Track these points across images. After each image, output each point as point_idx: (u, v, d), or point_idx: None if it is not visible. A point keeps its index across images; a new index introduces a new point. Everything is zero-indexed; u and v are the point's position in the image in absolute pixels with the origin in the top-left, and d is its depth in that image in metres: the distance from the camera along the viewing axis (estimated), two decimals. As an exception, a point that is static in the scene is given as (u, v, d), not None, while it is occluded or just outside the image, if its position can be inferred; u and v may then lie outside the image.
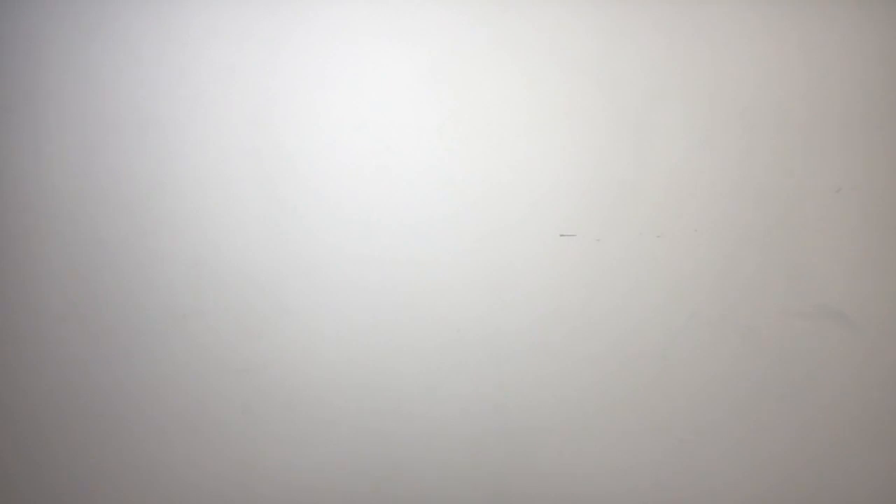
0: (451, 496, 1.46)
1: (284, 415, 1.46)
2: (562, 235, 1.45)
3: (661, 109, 1.44)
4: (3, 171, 1.47)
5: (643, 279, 1.44)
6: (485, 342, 1.45)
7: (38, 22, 1.48)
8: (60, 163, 1.47)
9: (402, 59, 1.46)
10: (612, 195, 1.45)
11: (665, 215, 1.44)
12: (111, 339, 1.47)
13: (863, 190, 1.43)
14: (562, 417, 1.45)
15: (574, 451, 1.45)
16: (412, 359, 1.46)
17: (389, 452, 1.46)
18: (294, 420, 1.47)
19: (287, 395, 1.46)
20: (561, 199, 1.45)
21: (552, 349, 1.45)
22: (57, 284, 1.47)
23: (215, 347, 1.46)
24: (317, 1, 1.46)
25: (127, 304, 1.47)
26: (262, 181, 1.46)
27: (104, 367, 1.47)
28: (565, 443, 1.45)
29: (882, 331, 1.42)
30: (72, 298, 1.47)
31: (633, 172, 1.44)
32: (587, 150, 1.45)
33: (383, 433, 1.46)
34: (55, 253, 1.47)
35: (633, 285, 1.44)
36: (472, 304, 1.45)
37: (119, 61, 1.47)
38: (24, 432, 1.48)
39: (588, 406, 1.45)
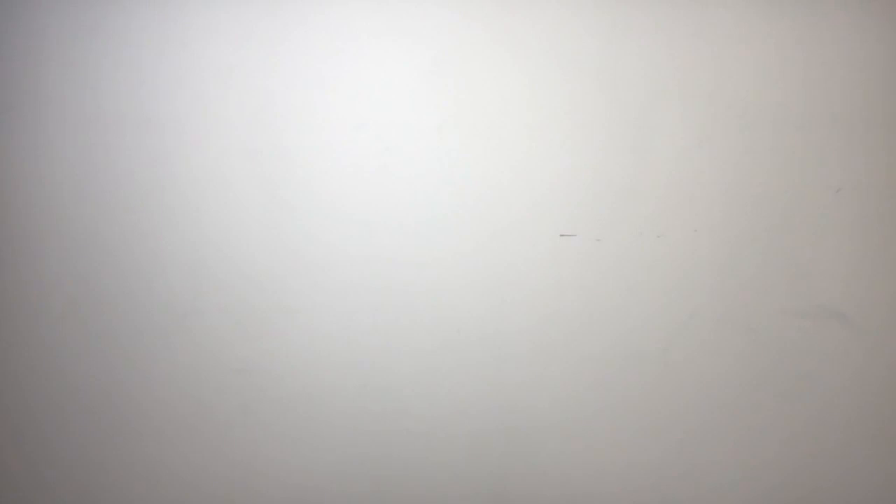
0: (451, 496, 1.46)
1: (284, 414, 1.47)
2: (562, 235, 1.45)
3: (661, 109, 1.44)
4: (3, 171, 1.47)
5: (643, 279, 1.44)
6: (485, 342, 1.45)
7: (38, 22, 1.48)
8: (60, 163, 1.47)
9: (402, 58, 1.46)
10: (612, 195, 1.44)
11: (665, 215, 1.44)
12: (111, 339, 1.47)
13: (863, 190, 1.43)
14: (562, 417, 1.45)
15: (574, 451, 1.45)
16: (412, 359, 1.46)
17: (389, 452, 1.46)
18: (293, 420, 1.47)
19: (287, 395, 1.46)
20: (561, 199, 1.45)
21: (552, 349, 1.45)
22: (57, 284, 1.47)
23: (215, 347, 1.46)
24: (317, 1, 1.46)
25: (127, 304, 1.47)
26: (262, 181, 1.46)
27: (104, 367, 1.47)
28: (565, 443, 1.45)
29: (882, 331, 1.42)
30: (72, 298, 1.47)
31: (633, 172, 1.44)
32: (587, 150, 1.45)
33: (383, 433, 1.46)
34: (55, 253, 1.47)
35: (633, 285, 1.44)
36: (472, 305, 1.45)
37: (119, 61, 1.47)
38: (24, 432, 1.48)
39: (588, 406, 1.45)
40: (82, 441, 1.47)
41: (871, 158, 1.43)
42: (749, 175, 1.43)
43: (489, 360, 1.45)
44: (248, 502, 1.47)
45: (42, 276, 1.47)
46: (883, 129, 1.43)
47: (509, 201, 1.45)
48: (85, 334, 1.47)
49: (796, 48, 1.44)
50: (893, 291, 1.42)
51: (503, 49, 1.45)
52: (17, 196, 1.47)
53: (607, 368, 1.45)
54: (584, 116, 1.45)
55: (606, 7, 1.44)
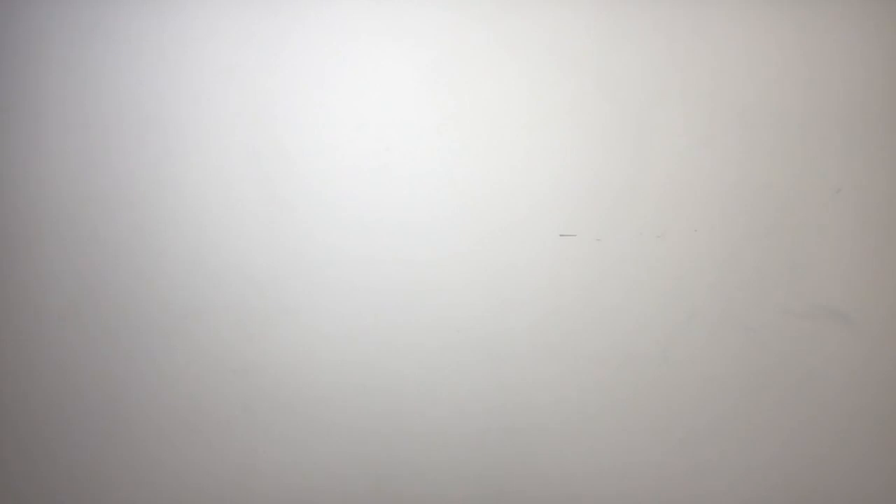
0: (452, 496, 1.46)
1: (284, 415, 1.47)
2: (562, 235, 1.45)
3: (661, 109, 1.44)
4: (4, 171, 1.47)
5: (643, 279, 1.44)
6: (485, 342, 1.45)
7: (38, 22, 1.48)
8: (60, 163, 1.47)
9: (402, 58, 1.46)
10: (612, 195, 1.45)
11: (665, 215, 1.44)
12: (111, 339, 1.47)
13: (863, 190, 1.43)
14: (562, 417, 1.45)
15: (574, 451, 1.45)
16: (412, 359, 1.46)
17: (389, 452, 1.46)
18: (294, 420, 1.47)
19: (287, 396, 1.46)
20: (561, 199, 1.45)
21: (552, 349, 1.45)
22: (57, 284, 1.47)
23: (215, 347, 1.46)
24: (317, 1, 1.46)
25: (127, 304, 1.47)
26: (262, 181, 1.46)
27: (104, 367, 1.47)
28: (565, 443, 1.45)
29: (882, 331, 1.42)
30: (72, 298, 1.47)
31: (633, 172, 1.44)
32: (587, 150, 1.45)
33: (383, 433, 1.46)
34: (55, 253, 1.47)
35: (633, 285, 1.44)
36: (472, 304, 1.45)
37: (119, 61, 1.47)
38: (24, 432, 1.48)
39: (588, 406, 1.45)
40: (82, 441, 1.47)
41: (871, 158, 1.43)
42: (749, 175, 1.44)
43: (489, 360, 1.45)
44: (248, 502, 1.47)
45: (42, 276, 1.47)
46: (883, 129, 1.43)
47: (509, 201, 1.45)
48: (85, 334, 1.47)
49: (796, 48, 1.44)
50: (893, 291, 1.42)
51: (503, 49, 1.45)
52: (17, 196, 1.47)
53: (607, 368, 1.45)
54: (584, 116, 1.45)
55: (606, 7, 1.44)
